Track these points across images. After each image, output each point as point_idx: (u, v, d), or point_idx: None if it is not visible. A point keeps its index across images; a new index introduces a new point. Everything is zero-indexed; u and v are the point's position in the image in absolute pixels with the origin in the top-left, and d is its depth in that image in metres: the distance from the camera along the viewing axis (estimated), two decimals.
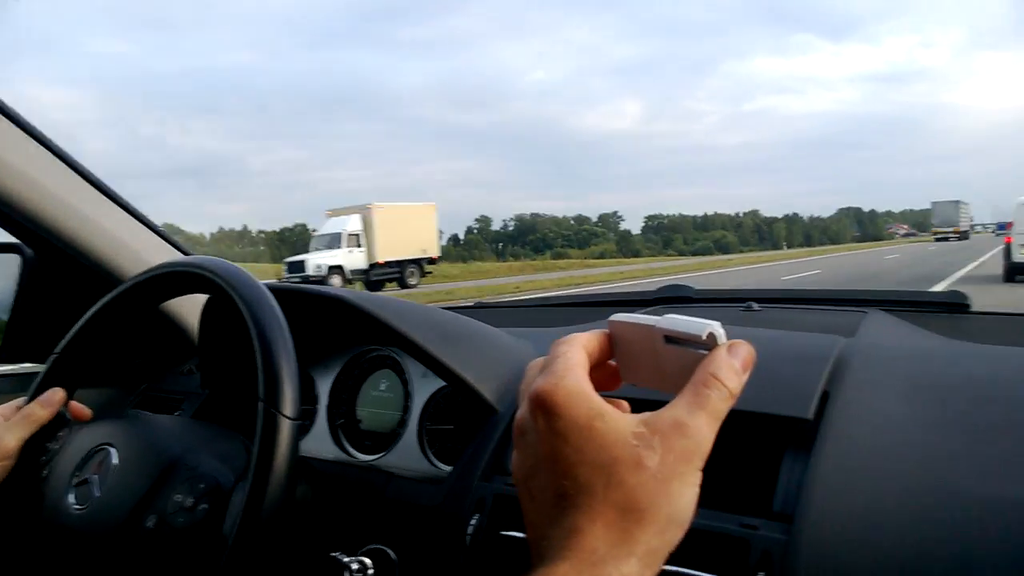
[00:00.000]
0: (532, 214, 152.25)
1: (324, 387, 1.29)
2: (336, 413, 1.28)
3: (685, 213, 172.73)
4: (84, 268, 1.34)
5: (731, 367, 0.48)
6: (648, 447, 0.45)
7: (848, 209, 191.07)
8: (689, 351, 0.49)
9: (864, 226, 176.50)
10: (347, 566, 0.98)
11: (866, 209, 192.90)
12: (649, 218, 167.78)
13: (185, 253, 1.48)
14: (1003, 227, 17.02)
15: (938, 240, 60.01)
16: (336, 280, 24.19)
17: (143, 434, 0.94)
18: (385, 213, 27.03)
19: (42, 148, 1.24)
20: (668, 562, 0.75)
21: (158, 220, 1.47)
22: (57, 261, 1.34)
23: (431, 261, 29.28)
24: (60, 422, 0.98)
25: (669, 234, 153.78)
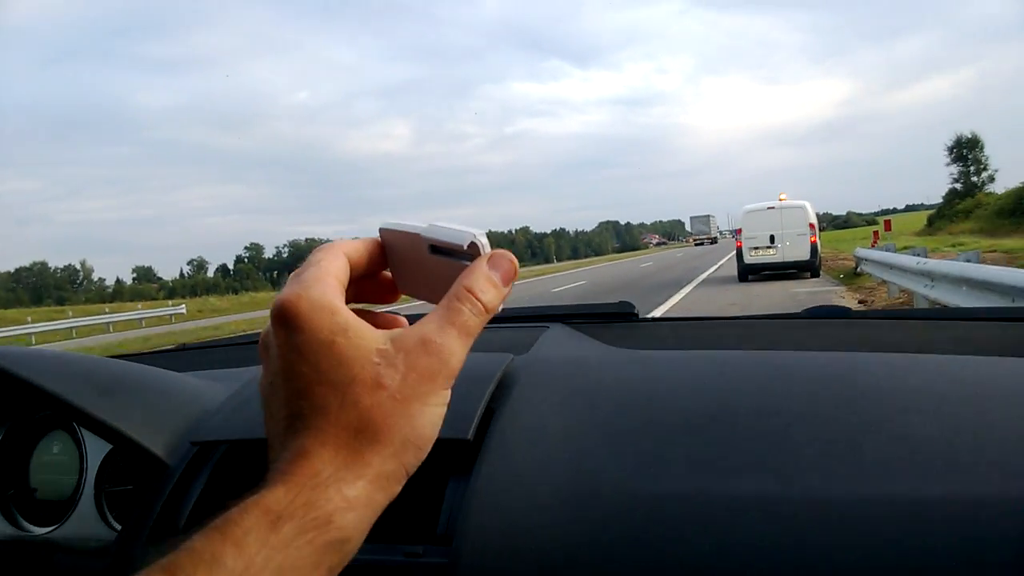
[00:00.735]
0: (307, 239, 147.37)
1: None
2: (4, 484, 1.13)
3: None
4: None
5: (488, 280, 0.45)
6: (390, 365, 0.42)
7: (608, 223, 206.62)
8: (454, 262, 0.46)
9: (623, 237, 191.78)
10: None
11: (623, 222, 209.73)
12: None
13: None
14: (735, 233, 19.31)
15: (697, 245, 78.58)
16: None
17: None
18: None
19: None
20: None
21: None
22: None
23: None
24: None
25: None
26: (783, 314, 1.30)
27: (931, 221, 50.57)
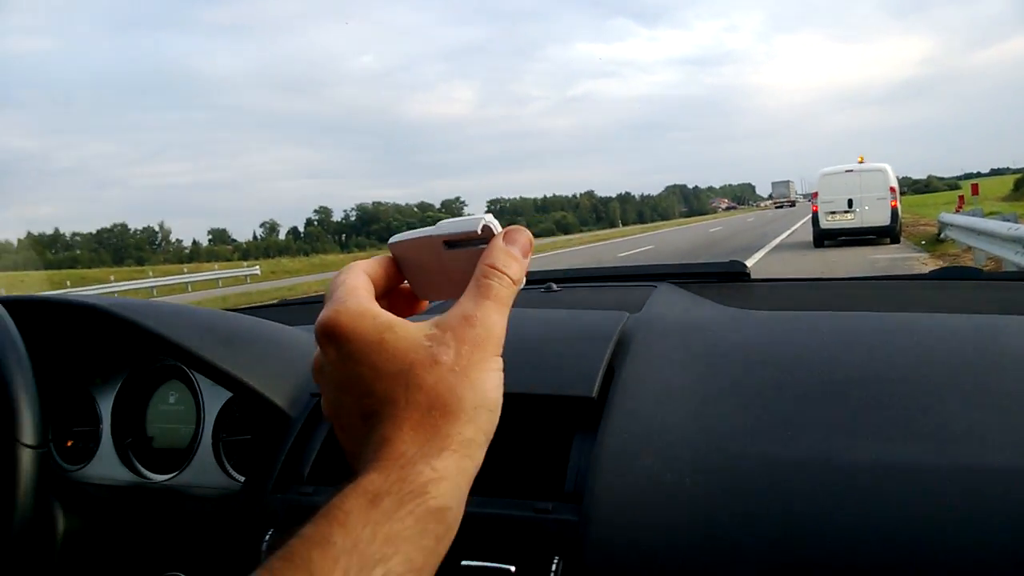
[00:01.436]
0: (374, 203, 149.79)
1: (106, 405, 1.18)
2: (123, 432, 1.17)
3: (525, 196, 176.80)
4: None
5: (508, 254, 0.48)
6: (441, 344, 0.45)
7: (675, 186, 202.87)
8: (471, 249, 0.49)
9: (690, 201, 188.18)
10: None
11: (691, 186, 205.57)
12: (491, 202, 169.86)
13: None
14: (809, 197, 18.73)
15: (777, 207, 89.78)
16: None
17: None
18: None
19: None
20: (466, 556, 0.75)
21: None
22: None
23: None
24: None
25: (512, 217, 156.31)
26: (907, 275, 1.23)
27: (1018, 185, 47.95)
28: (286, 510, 0.87)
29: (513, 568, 0.73)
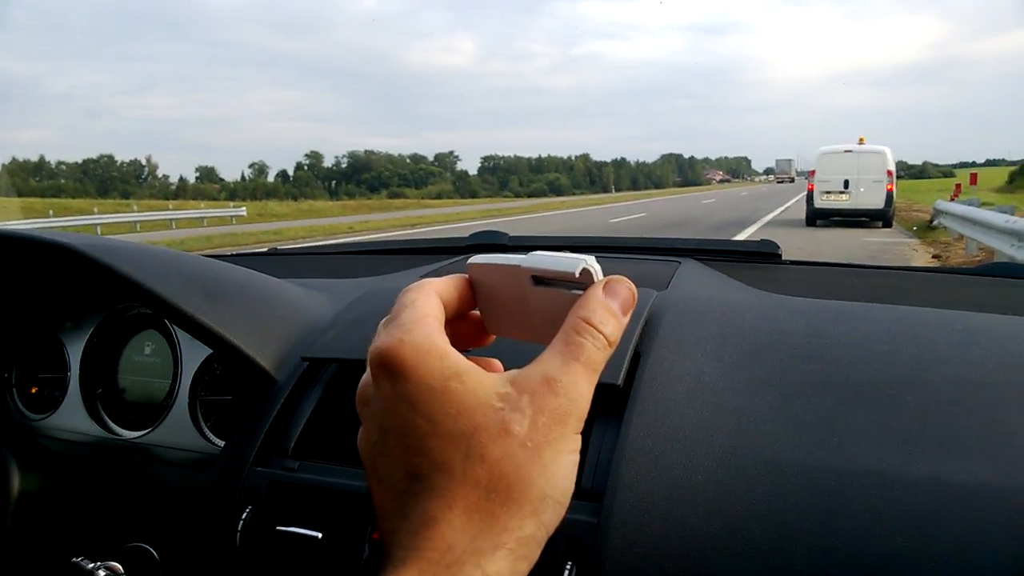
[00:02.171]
0: (366, 151, 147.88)
1: (75, 351, 1.08)
2: (92, 382, 1.08)
3: (520, 155, 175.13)
4: None
5: (607, 309, 0.40)
6: (515, 409, 0.37)
7: (671, 155, 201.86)
8: (562, 292, 0.41)
9: (685, 172, 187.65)
10: (92, 574, 0.81)
11: (686, 155, 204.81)
12: (485, 159, 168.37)
13: None
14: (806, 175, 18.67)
15: (779, 182, 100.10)
16: None
17: None
18: None
19: None
20: None
21: None
22: None
23: None
24: None
25: (505, 175, 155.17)
26: (950, 267, 1.15)
27: (1012, 178, 48.07)
28: (268, 487, 0.79)
29: None
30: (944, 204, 14.66)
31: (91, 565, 0.81)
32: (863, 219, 16.27)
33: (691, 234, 15.47)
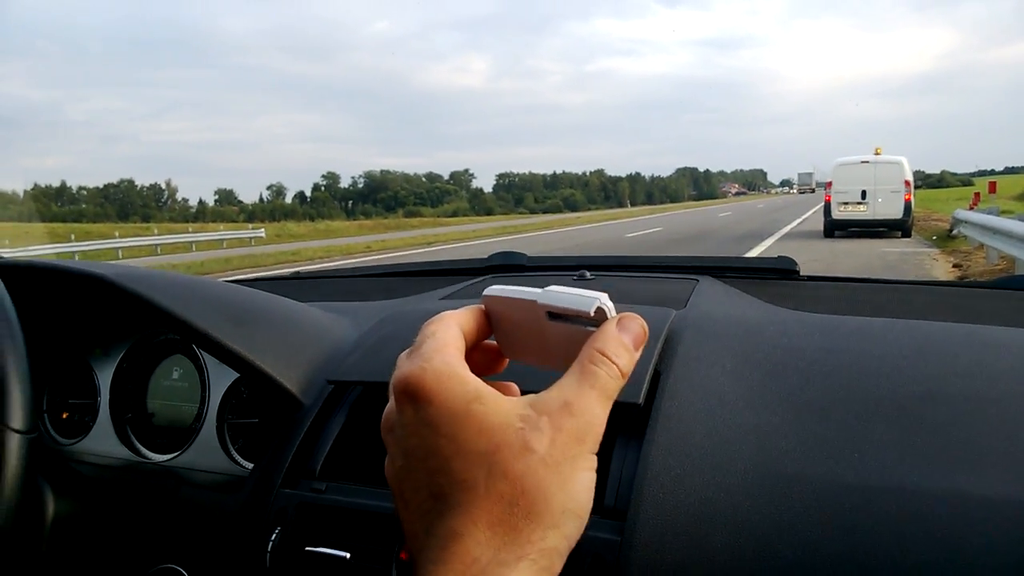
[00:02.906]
0: (382, 171, 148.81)
1: (105, 377, 1.11)
2: (122, 407, 1.10)
3: (535, 171, 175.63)
4: None
5: (620, 343, 0.43)
6: (535, 429, 0.39)
7: (685, 169, 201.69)
8: (577, 328, 0.44)
9: (700, 185, 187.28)
10: None
11: (701, 169, 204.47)
12: (500, 176, 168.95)
13: None
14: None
15: (801, 193, 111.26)
16: None
17: None
18: None
19: None
20: None
21: None
22: None
23: None
24: None
25: (520, 192, 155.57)
26: (969, 281, 1.15)
27: None
28: (296, 508, 0.80)
29: None
30: (963, 213, 14.51)
31: None
32: (881, 229, 16.14)
33: (708, 248, 15.41)
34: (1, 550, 0.68)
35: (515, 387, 0.46)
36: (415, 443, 0.40)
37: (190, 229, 35.95)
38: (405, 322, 0.99)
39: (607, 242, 18.07)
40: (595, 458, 0.41)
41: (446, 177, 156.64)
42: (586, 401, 0.41)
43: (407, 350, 0.43)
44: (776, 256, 1.18)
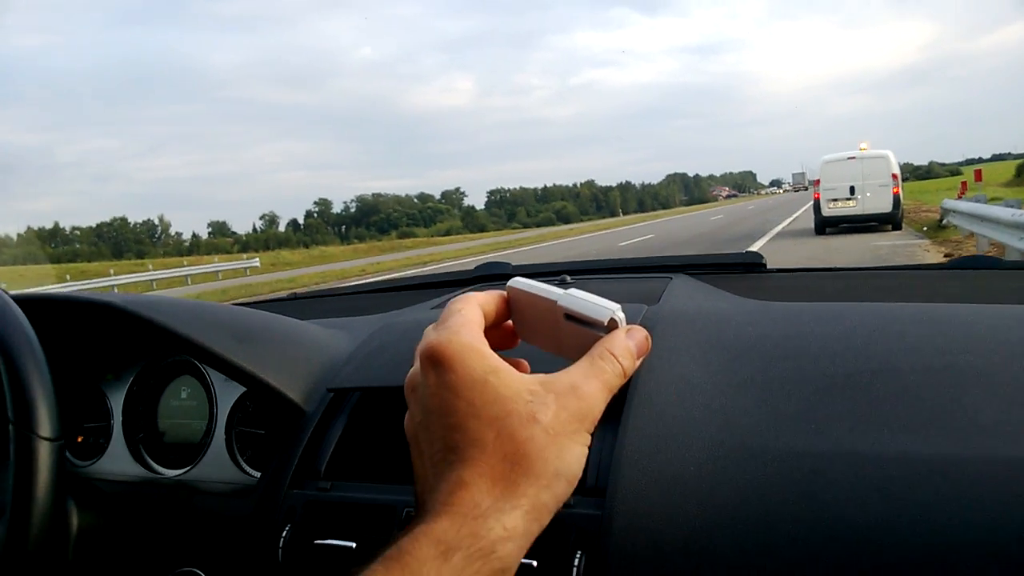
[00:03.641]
0: (374, 194, 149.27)
1: (117, 400, 1.17)
2: (134, 427, 1.17)
3: (526, 186, 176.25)
4: None
5: (627, 348, 0.50)
6: (542, 404, 0.46)
7: (675, 175, 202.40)
8: (588, 331, 0.51)
9: (691, 190, 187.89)
10: None
11: (691, 174, 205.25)
12: (492, 192, 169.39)
13: None
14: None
15: (795, 191, 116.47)
16: None
17: None
18: None
19: None
20: None
21: None
22: None
23: None
24: None
25: (512, 207, 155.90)
26: (925, 264, 1.22)
27: (1020, 171, 47.71)
28: (304, 506, 0.87)
29: (535, 563, 0.72)
30: (951, 203, 14.62)
31: None
32: (872, 224, 16.25)
33: (700, 250, 15.48)
34: (36, 555, 0.73)
35: (526, 364, 0.53)
36: (436, 403, 0.47)
37: (185, 263, 35.99)
38: (398, 332, 1.06)
39: (600, 254, 18.15)
40: (590, 437, 0.48)
41: (438, 197, 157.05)
42: (591, 388, 0.48)
43: (433, 324, 0.50)
44: (744, 251, 1.25)
